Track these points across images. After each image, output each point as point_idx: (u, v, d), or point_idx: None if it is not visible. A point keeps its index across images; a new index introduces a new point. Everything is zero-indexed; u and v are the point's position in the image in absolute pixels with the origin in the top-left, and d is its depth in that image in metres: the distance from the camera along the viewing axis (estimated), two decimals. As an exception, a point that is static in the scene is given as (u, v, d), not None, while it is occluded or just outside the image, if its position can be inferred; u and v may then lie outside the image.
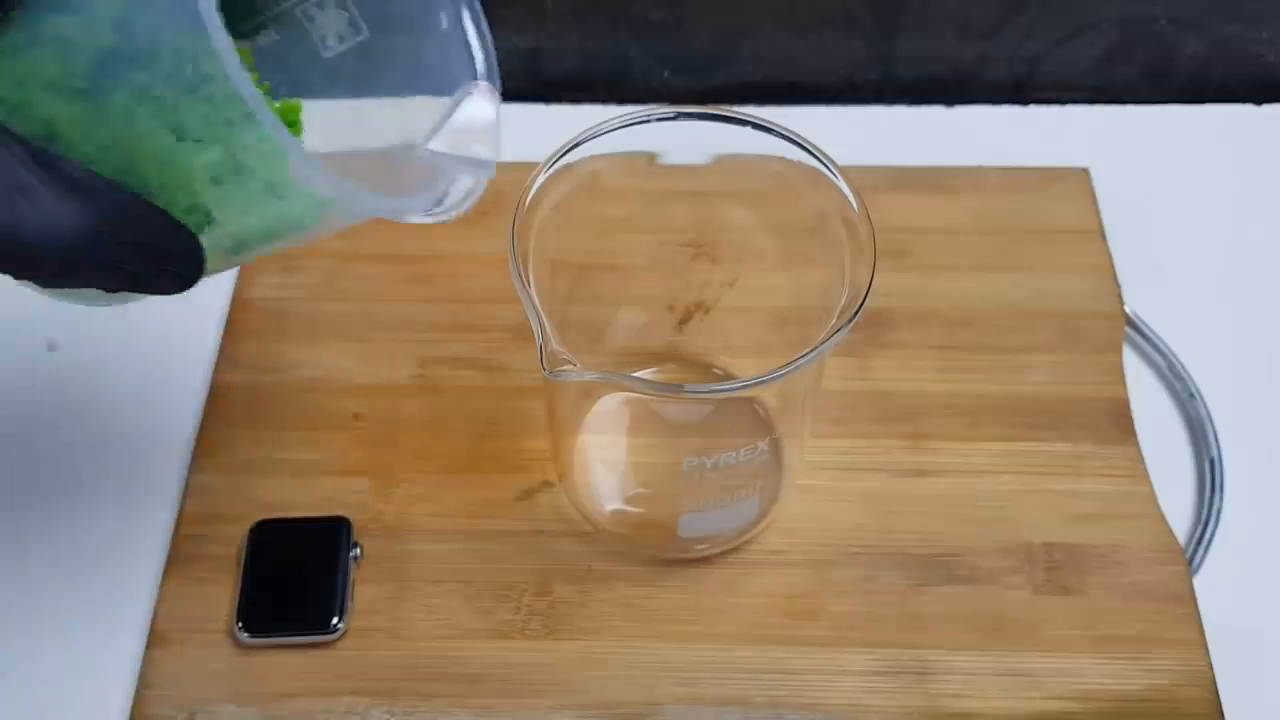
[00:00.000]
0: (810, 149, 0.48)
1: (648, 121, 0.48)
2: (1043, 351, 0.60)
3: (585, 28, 0.71)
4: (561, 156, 0.47)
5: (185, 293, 0.38)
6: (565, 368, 0.42)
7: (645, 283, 0.56)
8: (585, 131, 0.47)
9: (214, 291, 0.63)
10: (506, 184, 0.45)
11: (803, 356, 0.43)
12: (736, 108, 0.50)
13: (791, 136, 0.48)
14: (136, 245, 0.35)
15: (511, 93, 0.46)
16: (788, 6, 0.69)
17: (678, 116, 0.49)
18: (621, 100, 0.71)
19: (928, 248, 0.63)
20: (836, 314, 0.45)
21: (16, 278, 0.34)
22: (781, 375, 0.43)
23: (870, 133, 0.69)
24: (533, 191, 0.46)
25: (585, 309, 0.54)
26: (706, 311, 0.57)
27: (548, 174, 0.47)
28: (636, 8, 0.70)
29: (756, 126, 0.48)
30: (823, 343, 0.43)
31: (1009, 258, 0.63)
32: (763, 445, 0.50)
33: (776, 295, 0.54)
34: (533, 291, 0.44)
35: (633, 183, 0.50)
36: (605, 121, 0.48)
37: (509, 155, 0.44)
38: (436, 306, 0.61)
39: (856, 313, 0.44)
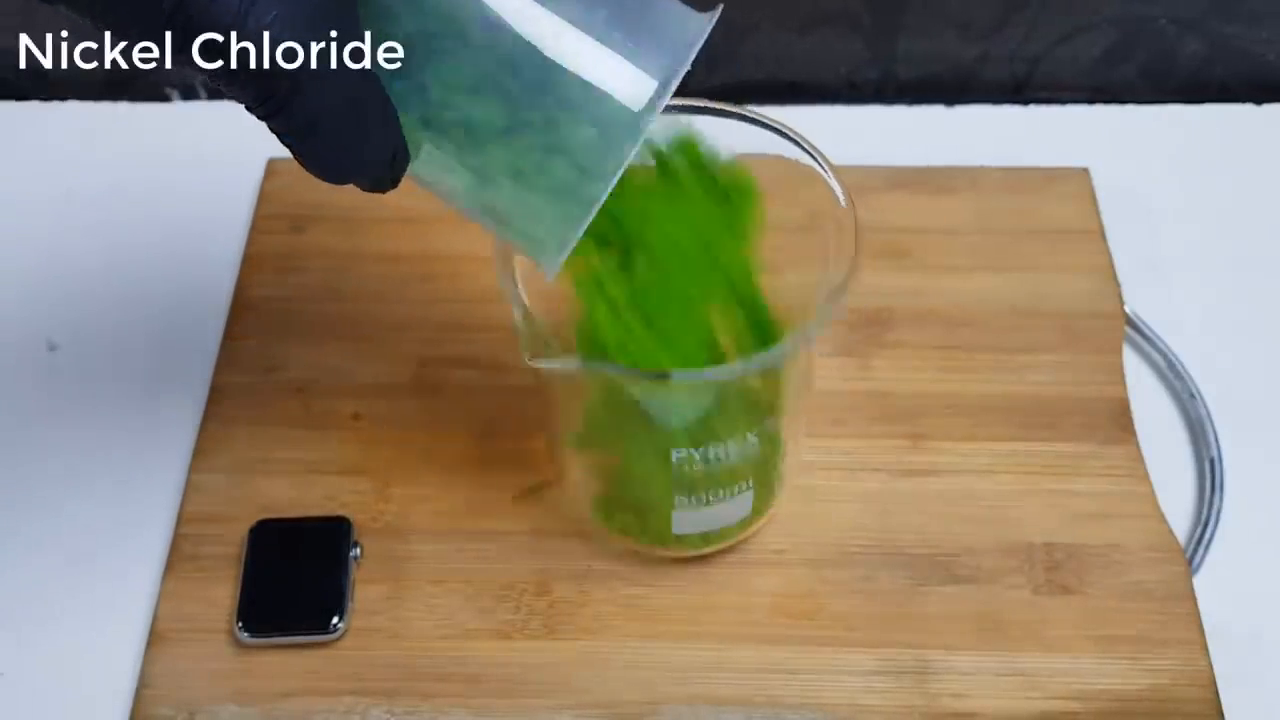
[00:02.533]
0: (804, 145, 0.48)
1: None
2: (1043, 351, 0.60)
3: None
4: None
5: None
6: (546, 356, 0.43)
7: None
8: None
9: (214, 291, 0.63)
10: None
11: (787, 341, 0.44)
12: (736, 107, 0.50)
13: (786, 132, 0.48)
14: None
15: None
16: (788, 6, 0.69)
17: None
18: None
19: (928, 248, 0.63)
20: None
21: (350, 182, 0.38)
22: (765, 362, 0.45)
23: (870, 132, 0.69)
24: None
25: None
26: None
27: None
28: (636, 8, 0.70)
29: (755, 124, 0.49)
30: (806, 331, 0.45)
31: (1009, 258, 0.63)
32: (752, 439, 0.49)
33: (774, 295, 0.54)
34: (520, 289, 0.45)
35: (633, 182, 0.50)
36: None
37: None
38: (436, 306, 0.61)
39: (841, 297, 0.45)
